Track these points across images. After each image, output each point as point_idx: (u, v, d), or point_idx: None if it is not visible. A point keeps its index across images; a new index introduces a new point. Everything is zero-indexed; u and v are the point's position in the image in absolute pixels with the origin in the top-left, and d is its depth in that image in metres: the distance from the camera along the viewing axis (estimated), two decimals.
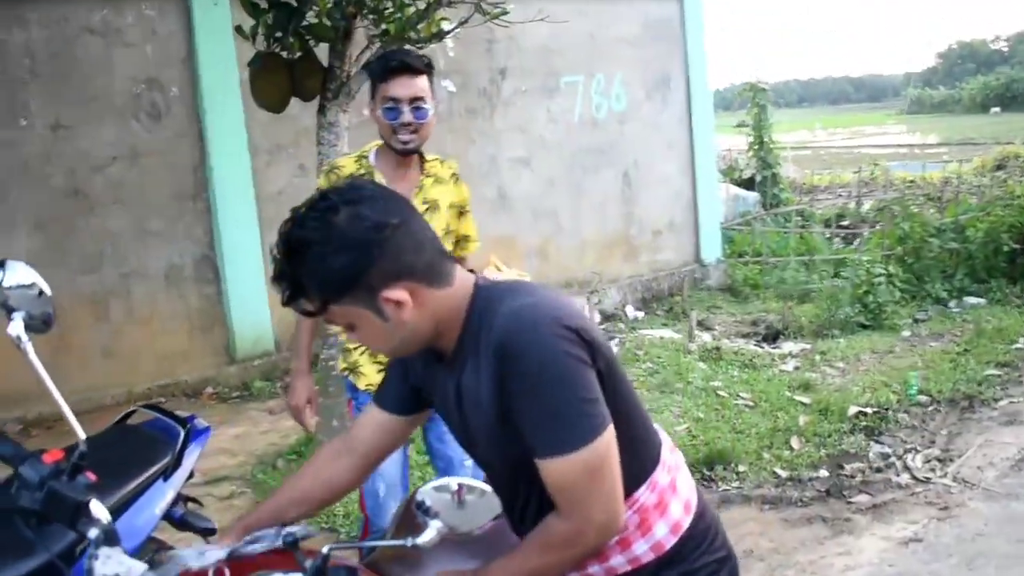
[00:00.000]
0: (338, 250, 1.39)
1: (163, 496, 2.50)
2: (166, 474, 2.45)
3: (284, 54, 4.26)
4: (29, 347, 1.85)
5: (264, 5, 4.13)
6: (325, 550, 1.50)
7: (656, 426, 1.68)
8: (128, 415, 2.75)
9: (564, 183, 8.51)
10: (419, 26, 4.11)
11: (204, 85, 6.29)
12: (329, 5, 4.04)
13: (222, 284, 6.58)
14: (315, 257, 1.40)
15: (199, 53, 6.26)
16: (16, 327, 1.85)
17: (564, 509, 1.46)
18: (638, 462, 1.56)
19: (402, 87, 2.70)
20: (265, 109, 4.39)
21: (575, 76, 8.47)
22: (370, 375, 2.86)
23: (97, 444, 2.88)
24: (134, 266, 6.23)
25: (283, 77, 4.21)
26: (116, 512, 2.35)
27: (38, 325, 1.94)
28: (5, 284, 1.88)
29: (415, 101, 2.71)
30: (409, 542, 1.50)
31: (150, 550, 2.45)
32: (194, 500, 2.76)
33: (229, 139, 6.39)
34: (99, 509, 1.58)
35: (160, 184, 6.32)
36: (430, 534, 1.51)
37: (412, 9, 4.15)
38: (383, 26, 4.16)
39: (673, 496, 1.61)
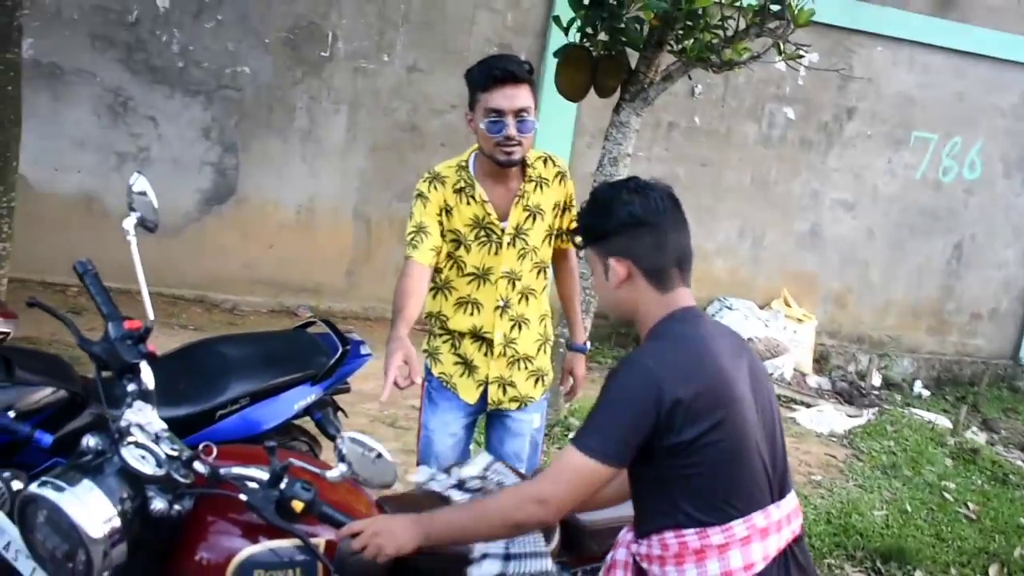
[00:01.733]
0: (603, 214, 1.97)
1: (305, 397, 3.12)
2: (316, 380, 3.04)
3: (592, 50, 4.66)
4: (133, 240, 2.45)
5: (586, 1, 4.54)
6: (288, 460, 1.90)
7: (780, 502, 1.89)
8: (309, 324, 3.45)
9: (885, 237, 8.33)
10: (725, 50, 4.32)
11: (550, 59, 6.91)
12: (637, 12, 4.32)
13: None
14: (592, 208, 2.01)
15: (553, 29, 6.89)
16: (130, 222, 2.45)
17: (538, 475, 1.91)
18: (723, 505, 1.82)
19: (505, 98, 2.65)
20: (563, 97, 4.85)
21: (929, 133, 8.24)
22: (446, 364, 2.97)
23: (270, 339, 3.60)
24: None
25: (585, 71, 4.61)
26: (260, 394, 2.97)
27: (147, 226, 2.51)
28: (134, 189, 2.48)
29: (519, 113, 2.67)
30: (321, 471, 1.90)
31: (282, 433, 3.07)
32: (341, 410, 3.36)
33: (559, 114, 6.97)
34: (147, 373, 2.08)
35: None
36: (333, 474, 1.87)
37: (718, 33, 4.37)
38: (682, 44, 4.40)
39: (741, 549, 1.82)
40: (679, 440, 1.78)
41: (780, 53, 4.28)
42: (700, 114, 7.54)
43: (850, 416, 6.52)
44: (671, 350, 1.87)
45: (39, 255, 6.38)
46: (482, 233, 2.84)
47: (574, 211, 2.92)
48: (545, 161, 2.91)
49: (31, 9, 6.40)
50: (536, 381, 3.02)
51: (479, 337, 2.93)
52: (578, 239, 2.08)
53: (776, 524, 1.88)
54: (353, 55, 6.83)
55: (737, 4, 4.20)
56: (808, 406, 6.62)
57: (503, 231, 2.84)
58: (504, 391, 2.97)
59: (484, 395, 2.96)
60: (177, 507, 1.82)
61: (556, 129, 6.99)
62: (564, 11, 4.82)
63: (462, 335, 2.93)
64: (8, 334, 3.53)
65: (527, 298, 2.95)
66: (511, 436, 3.02)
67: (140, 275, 2.39)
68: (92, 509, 1.71)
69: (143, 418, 1.91)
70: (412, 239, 2.79)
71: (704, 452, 1.79)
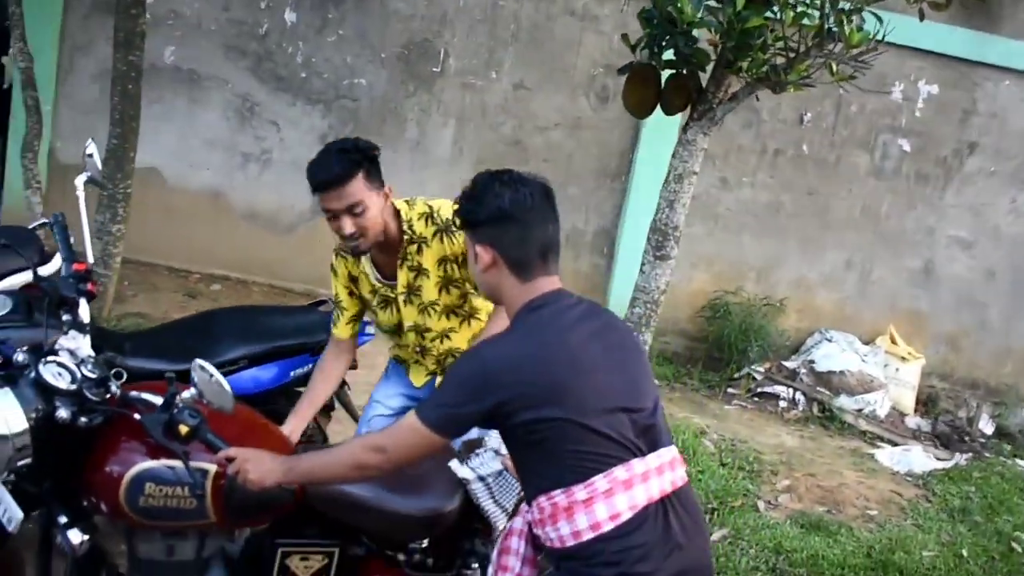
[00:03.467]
0: (474, 201, 2.26)
1: (303, 366, 3.55)
2: (316, 352, 3.44)
3: (658, 68, 4.88)
4: (82, 194, 2.99)
5: (656, 20, 4.78)
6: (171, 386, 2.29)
7: (646, 456, 2.15)
8: (321, 303, 3.91)
9: (1006, 280, 8.26)
10: (787, 73, 4.45)
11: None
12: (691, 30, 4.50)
13: (614, 259, 7.66)
14: (466, 196, 2.29)
15: None
16: (81, 180, 3.02)
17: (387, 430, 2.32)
18: (579, 466, 2.10)
19: (333, 200, 2.77)
20: (630, 113, 5.17)
21: None
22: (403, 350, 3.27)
23: (282, 312, 4.09)
24: None
25: (652, 88, 4.90)
26: (259, 358, 3.48)
27: (96, 182, 3.08)
28: (87, 152, 3.01)
29: (352, 208, 2.78)
30: (179, 390, 2.26)
31: (280, 397, 3.45)
32: (345, 383, 3.77)
33: (660, 137, 7.32)
34: (83, 308, 2.55)
35: (588, 157, 7.52)
36: (186, 394, 2.23)
37: (780, 53, 4.48)
38: (739, 64, 4.57)
39: (605, 501, 2.08)
40: (520, 420, 2.08)
41: (832, 74, 4.41)
42: (808, 142, 7.75)
43: (939, 459, 6.58)
44: (514, 344, 2.17)
45: (166, 242, 7.24)
46: (380, 298, 3.10)
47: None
48: (427, 219, 3.00)
49: (175, 20, 7.30)
50: None
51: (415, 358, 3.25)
52: (457, 221, 2.41)
53: (642, 475, 2.10)
54: (463, 72, 7.42)
55: (800, 23, 4.32)
56: (895, 444, 6.72)
57: (394, 292, 3.06)
58: None
59: (431, 386, 3.19)
60: (83, 419, 2.21)
61: (657, 149, 7.35)
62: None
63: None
64: None
65: (447, 336, 3.14)
66: None
67: (85, 223, 2.90)
68: (2, 410, 2.13)
69: (73, 344, 2.36)
70: (334, 313, 3.17)
71: (548, 429, 2.07)
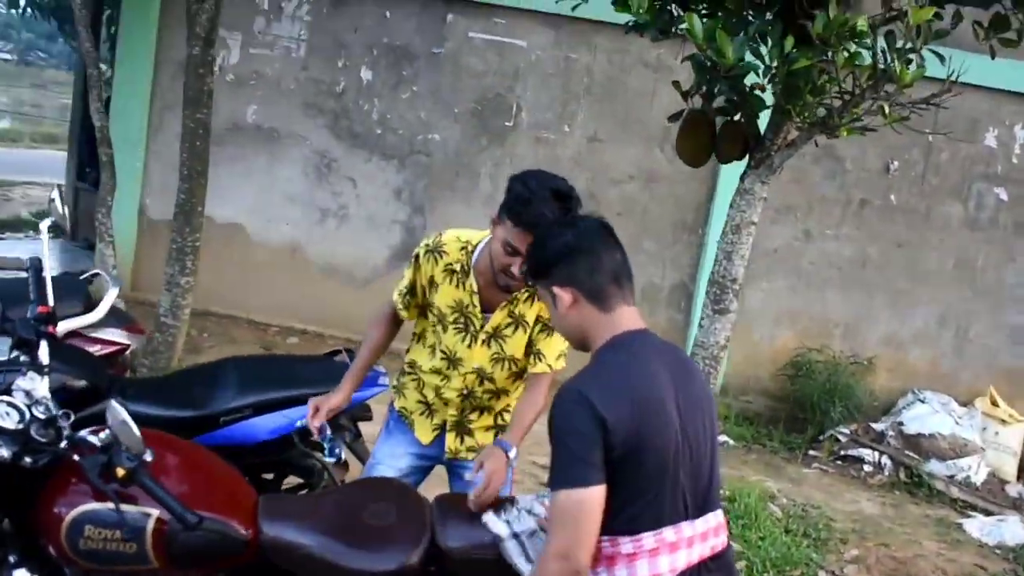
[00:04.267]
0: (543, 248, 2.27)
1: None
2: None
3: (711, 115, 4.76)
4: (46, 237, 3.04)
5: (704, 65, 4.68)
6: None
7: (695, 521, 2.10)
8: (336, 353, 3.86)
9: None
10: (842, 116, 4.29)
11: None
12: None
13: (691, 314, 7.52)
14: (535, 245, 2.32)
15: None
16: (45, 224, 3.08)
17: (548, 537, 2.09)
18: (635, 518, 2.04)
19: (525, 242, 2.59)
20: (684, 162, 5.07)
21: None
22: (409, 400, 3.09)
23: (295, 361, 4.05)
24: None
25: (705, 136, 4.79)
26: (263, 406, 3.42)
27: (58, 227, 3.13)
28: (52, 197, 3.11)
29: None
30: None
31: (285, 447, 3.42)
32: (360, 436, 3.69)
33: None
34: (43, 350, 2.57)
35: (664, 210, 7.45)
36: (93, 438, 2.25)
37: (837, 97, 4.33)
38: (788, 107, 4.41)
39: (649, 559, 2.05)
40: (609, 459, 2.00)
41: (884, 116, 4.24)
42: (896, 192, 7.50)
43: None
44: (598, 376, 2.10)
45: (246, 295, 7.46)
46: (460, 319, 2.91)
47: (557, 338, 2.89)
48: None
49: (257, 80, 7.56)
50: (496, 433, 3.07)
51: (438, 396, 3.03)
52: (529, 279, 2.40)
53: (687, 540, 2.08)
54: (535, 125, 7.47)
55: (854, 65, 4.17)
56: (989, 514, 6.37)
57: (481, 327, 2.90)
58: (462, 440, 3.06)
59: (441, 441, 3.07)
60: (28, 459, 2.23)
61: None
62: None
63: (427, 379, 3.03)
64: (128, 346, 4.31)
65: (498, 396, 3.03)
66: (470, 488, 3.00)
67: (46, 264, 2.94)
68: None
69: (30, 385, 2.35)
70: (404, 293, 3.02)
71: (621, 470, 2.01)
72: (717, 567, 2.16)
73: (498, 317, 2.90)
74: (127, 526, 2.24)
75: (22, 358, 2.51)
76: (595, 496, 2.00)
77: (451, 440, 3.06)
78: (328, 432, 3.00)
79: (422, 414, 3.07)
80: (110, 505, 2.23)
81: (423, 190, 7.60)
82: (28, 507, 2.33)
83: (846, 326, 7.63)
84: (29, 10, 13.19)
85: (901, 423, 7.06)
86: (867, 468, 6.72)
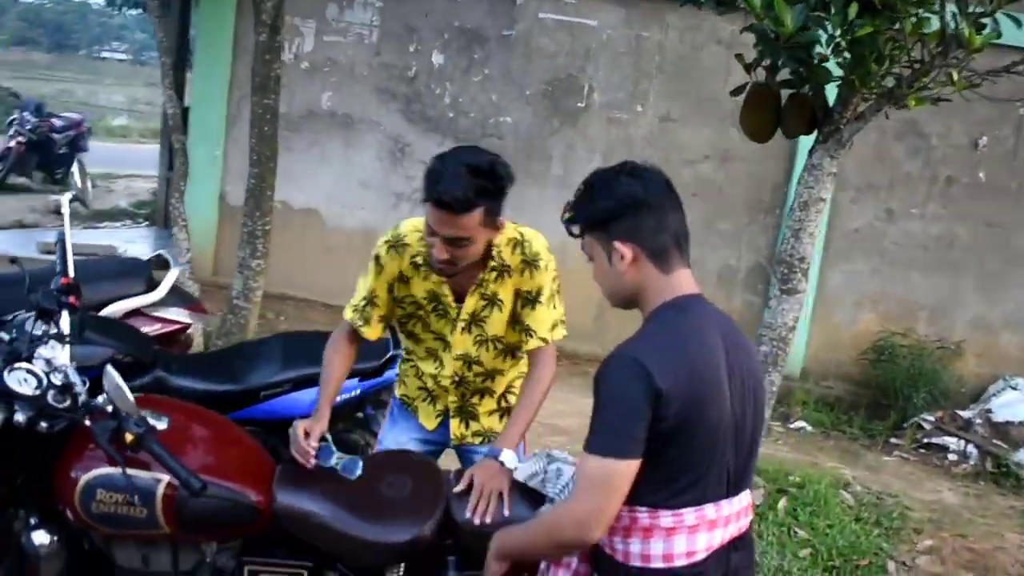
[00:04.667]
0: (604, 198, 2.09)
1: (348, 391, 3.49)
2: (363, 378, 3.45)
3: (776, 88, 4.58)
4: (67, 211, 3.07)
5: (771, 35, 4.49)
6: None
7: (734, 498, 2.03)
8: None
9: None
10: (911, 86, 4.10)
11: None
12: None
13: (769, 297, 7.34)
14: (590, 196, 2.13)
15: None
16: (66, 198, 3.11)
17: (570, 496, 2.04)
18: (680, 492, 1.96)
19: (439, 223, 2.50)
20: (749, 138, 4.91)
21: None
22: (410, 388, 3.00)
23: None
24: (693, 255, 7.17)
25: (770, 110, 4.61)
26: (303, 382, 3.47)
27: (80, 201, 3.15)
28: (73, 172, 3.12)
29: (457, 240, 2.52)
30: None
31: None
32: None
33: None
34: (64, 319, 2.59)
35: (740, 190, 7.29)
36: (97, 401, 2.30)
37: (906, 67, 4.12)
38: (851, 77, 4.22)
39: (687, 536, 1.97)
40: (657, 429, 1.90)
41: (953, 84, 4.03)
42: (985, 168, 7.19)
43: None
44: (656, 340, 1.99)
45: (323, 279, 7.57)
46: (439, 307, 2.79)
47: (541, 309, 2.74)
48: (516, 246, 2.73)
49: (331, 67, 7.66)
50: (502, 416, 2.96)
51: (437, 384, 2.93)
52: (575, 228, 2.18)
53: (725, 519, 2.01)
54: (607, 106, 7.39)
55: (921, 32, 3.96)
56: None
57: (458, 314, 2.77)
58: (467, 425, 2.96)
59: (446, 427, 2.97)
60: (43, 424, 2.30)
61: None
62: None
63: (425, 368, 2.94)
64: (188, 325, 4.42)
65: (492, 377, 2.91)
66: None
67: (68, 239, 2.99)
68: None
69: (51, 353, 2.42)
70: (362, 307, 2.80)
71: (673, 441, 1.92)
72: (743, 546, 2.10)
73: (471, 303, 2.76)
74: (137, 491, 2.30)
75: (43, 328, 2.55)
76: (627, 470, 1.91)
77: (456, 426, 2.96)
78: (332, 448, 2.70)
79: (424, 400, 2.98)
80: (119, 470, 2.28)
81: None
82: (47, 471, 2.40)
83: (932, 309, 7.38)
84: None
85: (990, 410, 6.79)
86: (951, 457, 6.48)
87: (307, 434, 2.56)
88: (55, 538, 2.38)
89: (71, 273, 2.87)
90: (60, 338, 2.52)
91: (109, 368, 2.25)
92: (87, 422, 2.30)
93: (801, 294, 4.98)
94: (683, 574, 1.99)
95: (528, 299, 2.74)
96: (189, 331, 4.57)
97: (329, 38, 7.67)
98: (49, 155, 14.15)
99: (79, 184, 3.17)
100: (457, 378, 2.87)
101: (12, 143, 13.32)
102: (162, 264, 4.66)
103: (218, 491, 2.33)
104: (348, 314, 2.82)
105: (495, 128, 7.54)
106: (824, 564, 4.45)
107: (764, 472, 5.31)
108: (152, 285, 4.34)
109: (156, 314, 4.35)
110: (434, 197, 2.48)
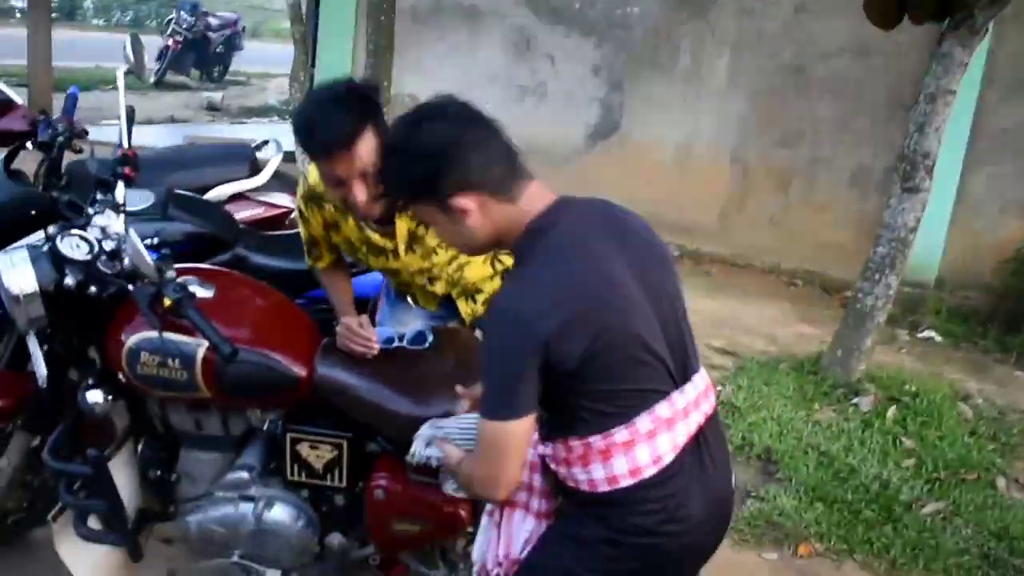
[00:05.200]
0: (415, 159, 1.82)
1: None
2: None
3: None
4: (122, 83, 3.00)
5: None
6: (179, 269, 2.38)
7: (684, 387, 1.87)
8: None
9: None
10: None
11: None
12: None
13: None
14: (398, 163, 1.87)
15: None
16: (121, 70, 3.03)
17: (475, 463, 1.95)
18: (624, 406, 1.83)
19: (342, 166, 2.31)
20: (873, 24, 4.60)
21: None
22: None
23: None
24: (825, 154, 6.98)
25: None
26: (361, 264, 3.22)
27: (134, 72, 3.09)
28: (130, 43, 3.05)
29: (366, 172, 2.31)
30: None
31: None
32: None
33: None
34: (119, 189, 2.62)
35: (877, 86, 6.87)
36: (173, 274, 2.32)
37: None
38: None
39: (647, 443, 1.83)
40: (565, 367, 1.78)
41: None
42: None
43: None
44: (530, 278, 1.83)
45: None
46: (373, 248, 2.67)
47: None
48: None
49: None
50: (503, 275, 2.76)
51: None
52: (399, 203, 2.01)
53: (683, 411, 1.87)
54: None
55: None
56: None
57: (394, 245, 2.63)
58: (473, 299, 2.81)
59: (451, 306, 2.85)
60: (93, 289, 2.36)
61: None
62: None
63: None
64: (291, 210, 4.44)
65: (460, 267, 2.73)
66: None
67: (122, 110, 2.97)
68: (16, 273, 2.35)
69: (105, 221, 2.49)
70: (309, 251, 2.79)
71: (591, 368, 1.78)
72: (712, 434, 1.95)
73: (401, 226, 2.59)
74: (178, 354, 2.36)
75: (100, 197, 2.62)
76: (521, 428, 1.80)
77: (463, 306, 2.81)
78: (388, 329, 2.77)
79: (421, 284, 2.80)
80: (167, 334, 2.35)
81: (622, 66, 7.42)
82: (102, 334, 2.50)
83: None
84: None
85: None
86: None
87: (360, 325, 2.53)
88: (109, 397, 2.46)
89: (126, 144, 2.94)
90: (115, 207, 2.58)
91: (131, 231, 2.32)
92: (130, 287, 2.37)
93: (924, 193, 4.71)
94: (656, 482, 1.85)
95: None
96: (292, 215, 4.69)
97: None
98: (205, 54, 14.68)
99: (130, 57, 3.23)
100: (426, 280, 2.75)
101: (169, 42, 13.88)
102: (268, 150, 4.77)
103: (254, 358, 2.37)
104: (309, 262, 2.82)
105: (622, 19, 7.33)
106: (928, 475, 4.27)
107: (877, 379, 5.13)
108: (256, 170, 4.45)
109: (260, 198, 4.48)
110: (322, 148, 2.31)
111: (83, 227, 2.47)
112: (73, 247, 2.37)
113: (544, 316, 1.74)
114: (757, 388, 4.97)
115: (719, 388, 4.96)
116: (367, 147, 2.28)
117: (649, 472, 1.84)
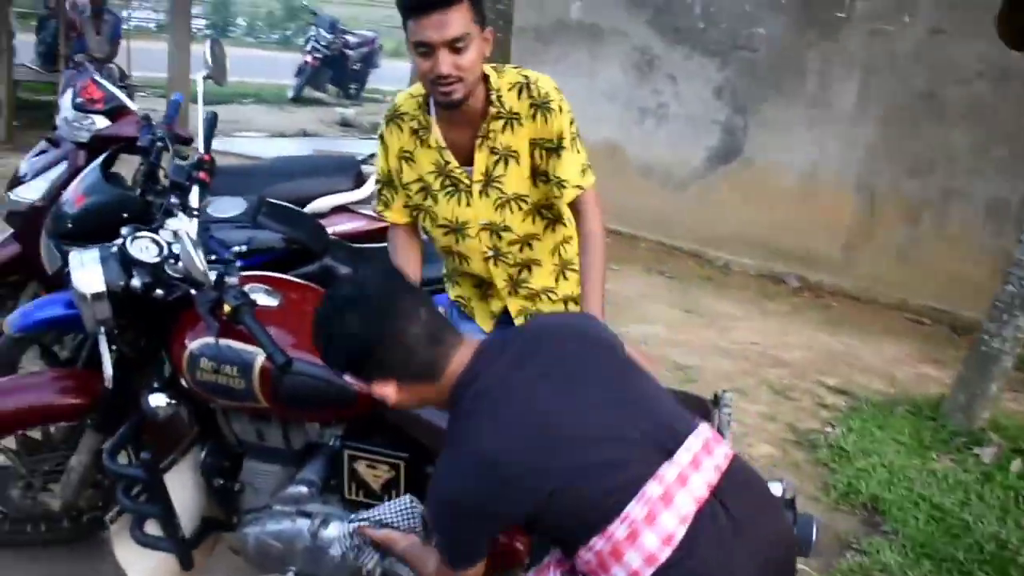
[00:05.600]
0: (339, 350, 1.89)
1: None
2: None
3: None
4: (201, 87, 3.02)
5: None
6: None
7: (675, 456, 1.77)
8: None
9: None
10: None
11: None
12: None
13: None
14: (325, 347, 1.92)
15: None
16: (200, 74, 3.06)
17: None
18: (613, 503, 1.75)
19: (433, 28, 2.21)
20: (1006, 44, 4.33)
21: None
22: (464, 286, 2.80)
23: None
24: (959, 185, 6.59)
25: None
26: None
27: (214, 78, 3.09)
28: (211, 47, 3.03)
29: (454, 44, 2.23)
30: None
31: None
32: None
33: None
34: (194, 194, 2.62)
35: (1017, 113, 6.46)
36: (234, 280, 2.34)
37: None
38: None
39: (650, 528, 1.73)
40: (530, 510, 1.78)
41: None
42: None
43: None
44: (479, 428, 1.81)
45: None
46: (447, 182, 2.55)
47: (566, 155, 2.46)
48: (521, 90, 2.42)
49: None
50: (566, 305, 2.73)
51: (479, 280, 2.73)
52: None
53: (679, 480, 1.76)
54: (871, 16, 6.74)
55: None
56: None
57: (470, 179, 2.52)
58: (532, 302, 2.74)
59: (504, 324, 2.74)
60: (159, 292, 2.38)
61: None
62: None
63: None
64: None
65: (528, 245, 2.63)
66: None
67: (200, 115, 2.98)
68: (85, 273, 2.36)
69: (177, 225, 2.52)
70: (382, 193, 2.67)
71: (567, 487, 1.75)
72: (733, 484, 1.82)
73: (480, 160, 2.49)
74: (237, 361, 2.35)
75: (173, 199, 2.66)
76: (475, 571, 1.92)
77: (516, 306, 2.73)
78: None
79: (480, 299, 2.77)
80: (224, 340, 2.35)
81: (745, 89, 7.22)
82: (169, 337, 2.52)
83: None
84: None
85: None
86: None
87: None
88: (172, 402, 2.48)
89: (201, 148, 2.97)
90: (188, 211, 2.63)
91: (184, 234, 2.31)
92: (193, 291, 2.39)
93: None
94: (676, 561, 1.73)
95: (549, 148, 2.46)
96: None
97: None
98: (343, 71, 15.06)
99: (210, 62, 3.27)
100: (491, 252, 2.63)
101: (308, 58, 14.30)
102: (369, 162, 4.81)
103: (312, 370, 2.33)
104: (378, 207, 2.72)
105: (747, 40, 7.14)
106: None
107: (1002, 428, 4.78)
108: (361, 183, 4.49)
109: (363, 211, 4.51)
110: (414, 2, 2.24)
111: (155, 230, 2.50)
112: (142, 249, 2.40)
113: (505, 459, 1.75)
114: (869, 431, 4.70)
115: (827, 429, 4.75)
116: (461, 18, 2.23)
117: (665, 554, 1.73)
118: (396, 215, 2.66)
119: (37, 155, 4.15)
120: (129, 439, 2.62)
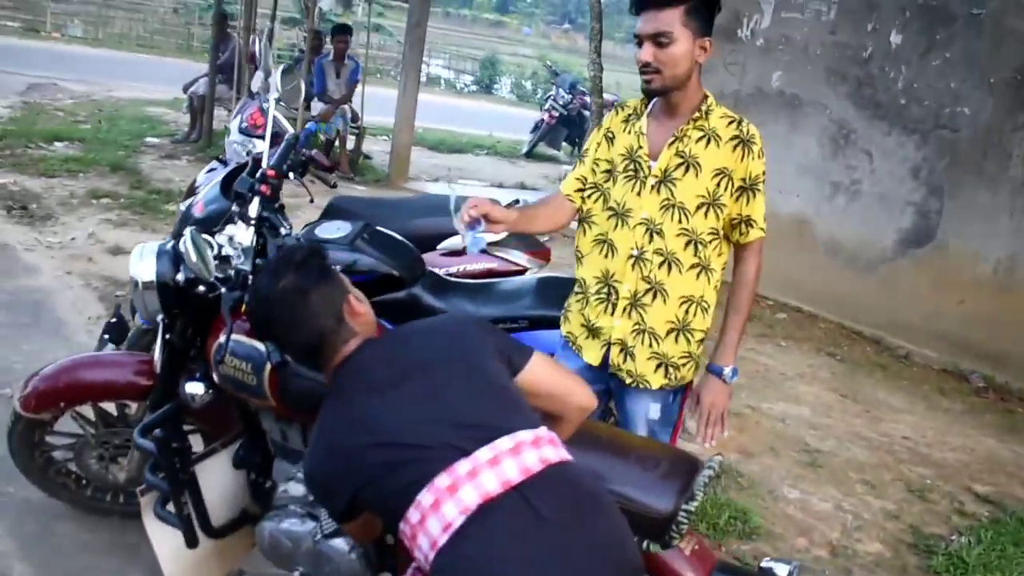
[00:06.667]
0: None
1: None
2: None
3: None
4: (272, 106, 3.21)
5: None
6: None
7: (476, 453, 1.91)
8: None
9: None
10: None
11: None
12: None
13: None
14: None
15: None
16: (273, 95, 3.24)
17: None
18: (404, 498, 1.93)
19: (644, 22, 2.57)
20: None
21: None
22: (574, 324, 2.94)
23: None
24: None
25: None
26: (539, 322, 3.47)
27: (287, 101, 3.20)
28: (281, 78, 3.13)
29: (657, 38, 2.54)
30: None
31: None
32: None
33: None
34: (254, 204, 2.75)
35: None
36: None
37: None
38: None
39: (434, 515, 1.88)
40: (350, 497, 2.03)
41: None
42: None
43: None
44: (319, 444, 2.09)
45: None
46: (631, 166, 2.74)
47: (759, 199, 2.70)
48: (731, 122, 2.65)
49: (784, 46, 7.44)
50: (658, 366, 2.80)
51: (607, 284, 2.80)
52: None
53: (469, 475, 1.88)
54: None
55: None
56: None
57: (650, 170, 2.70)
58: (624, 358, 2.81)
59: (607, 357, 2.85)
60: (201, 288, 2.56)
61: None
62: None
63: (591, 287, 2.86)
64: (525, 269, 4.52)
65: (669, 265, 2.71)
66: (622, 412, 2.92)
67: (268, 132, 3.20)
68: (141, 264, 2.62)
69: (233, 231, 2.66)
70: (580, 167, 2.93)
71: (368, 491, 1.99)
72: (549, 486, 1.91)
73: (666, 158, 2.67)
74: (252, 359, 2.49)
75: (234, 208, 2.83)
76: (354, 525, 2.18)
77: (616, 354, 2.83)
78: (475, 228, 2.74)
79: (587, 337, 2.88)
80: (242, 338, 2.50)
81: (943, 170, 6.78)
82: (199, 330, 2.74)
83: None
84: None
85: None
86: None
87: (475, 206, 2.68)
88: (209, 390, 2.66)
89: (265, 164, 3.16)
90: (246, 219, 2.79)
91: (188, 239, 2.48)
92: (223, 290, 2.57)
93: None
94: (452, 546, 1.86)
95: (747, 187, 2.67)
96: (525, 275, 4.76)
97: (787, 15, 7.42)
98: (579, 130, 15.43)
99: (277, 86, 3.47)
100: (636, 253, 2.73)
101: (545, 116, 14.77)
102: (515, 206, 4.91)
103: (301, 370, 2.43)
104: (565, 183, 2.95)
105: (949, 119, 6.72)
106: None
107: None
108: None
109: (496, 252, 4.61)
110: (635, 1, 2.59)
111: (213, 234, 2.70)
112: (191, 248, 2.55)
113: (323, 463, 2.07)
114: (1001, 546, 4.26)
115: (953, 537, 4.37)
116: (670, 19, 2.53)
117: (443, 540, 1.87)
118: (567, 185, 2.92)
119: (209, 171, 4.62)
120: (163, 421, 2.80)
